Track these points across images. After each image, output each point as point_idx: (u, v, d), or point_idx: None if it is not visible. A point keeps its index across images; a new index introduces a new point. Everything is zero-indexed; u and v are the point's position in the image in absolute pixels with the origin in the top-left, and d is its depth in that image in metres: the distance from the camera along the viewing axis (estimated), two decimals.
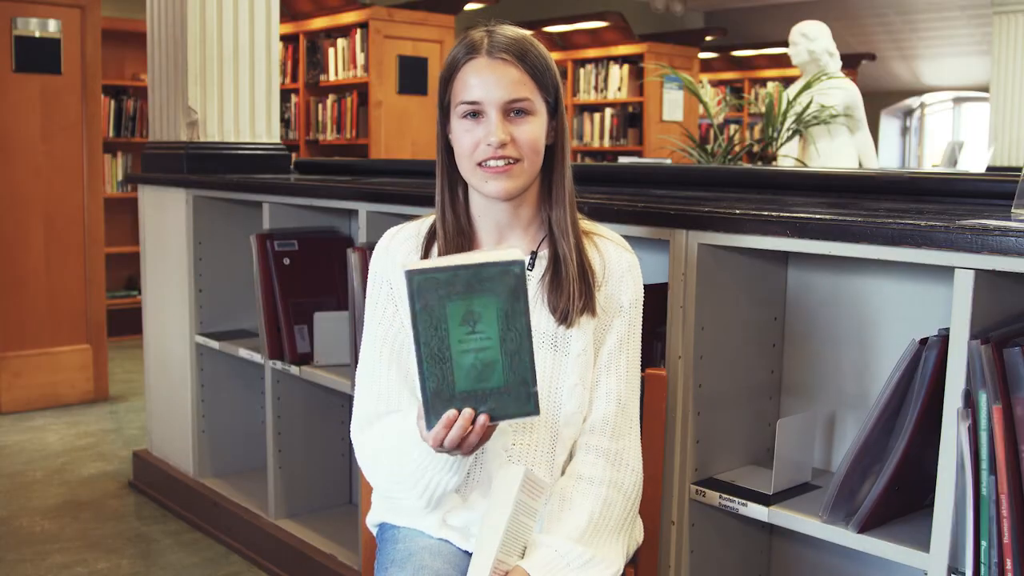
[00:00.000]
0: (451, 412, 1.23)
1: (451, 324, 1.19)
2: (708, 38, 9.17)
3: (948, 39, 10.44)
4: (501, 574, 1.33)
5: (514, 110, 1.41)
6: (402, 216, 2.43)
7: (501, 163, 1.40)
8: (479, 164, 1.42)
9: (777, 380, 1.92)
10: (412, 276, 1.18)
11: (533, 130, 1.42)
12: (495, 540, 1.32)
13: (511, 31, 1.43)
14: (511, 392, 1.23)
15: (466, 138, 1.42)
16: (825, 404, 1.87)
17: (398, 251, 1.52)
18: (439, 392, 1.22)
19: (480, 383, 1.22)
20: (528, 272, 1.47)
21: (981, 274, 1.34)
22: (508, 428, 1.45)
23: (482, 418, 1.24)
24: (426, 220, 1.55)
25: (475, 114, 1.41)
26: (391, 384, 1.47)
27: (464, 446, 1.26)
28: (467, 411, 1.23)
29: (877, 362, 1.79)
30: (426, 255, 1.50)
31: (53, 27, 4.60)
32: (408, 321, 1.20)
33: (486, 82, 1.39)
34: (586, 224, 1.53)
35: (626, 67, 8.18)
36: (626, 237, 1.58)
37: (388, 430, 1.43)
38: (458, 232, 1.49)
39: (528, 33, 1.46)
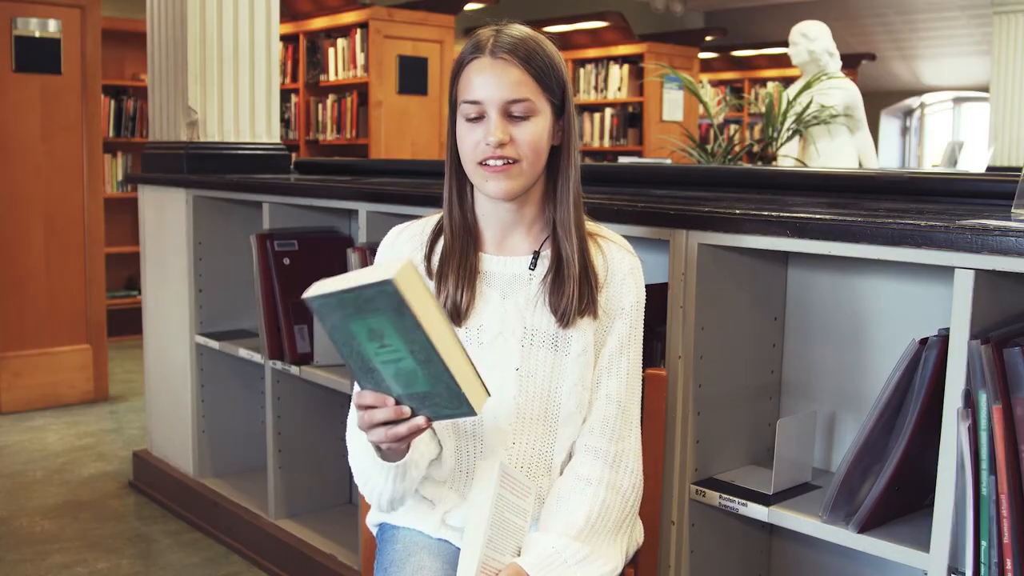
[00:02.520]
0: (389, 398, 1.23)
1: (361, 340, 1.19)
2: (708, 38, 9.16)
3: (948, 39, 10.44)
4: (494, 572, 1.33)
5: (514, 111, 1.40)
6: (402, 216, 2.43)
7: (500, 163, 1.40)
8: (480, 163, 1.42)
9: (777, 380, 1.92)
10: (311, 301, 1.17)
11: (534, 131, 1.41)
12: (479, 534, 1.33)
13: (518, 31, 1.43)
14: (441, 395, 1.23)
15: (468, 137, 1.42)
16: (825, 404, 1.87)
17: (403, 249, 1.52)
18: None
19: (410, 388, 1.23)
20: (530, 272, 1.48)
21: (981, 274, 1.34)
22: (508, 428, 1.45)
23: (420, 419, 1.24)
24: (431, 219, 1.56)
25: (477, 114, 1.41)
26: None
27: (390, 435, 1.25)
28: (405, 408, 1.23)
29: (877, 362, 1.79)
30: (430, 253, 1.50)
31: (53, 27, 4.60)
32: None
33: (487, 82, 1.40)
34: (590, 226, 1.53)
35: (626, 67, 8.18)
36: (626, 237, 1.58)
37: (356, 446, 1.43)
38: (464, 229, 1.49)
39: (538, 33, 1.46)
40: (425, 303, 1.16)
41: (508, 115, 1.40)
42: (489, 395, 1.24)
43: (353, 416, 1.50)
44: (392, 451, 1.32)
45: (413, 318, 1.16)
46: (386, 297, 1.15)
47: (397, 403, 1.24)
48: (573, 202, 1.47)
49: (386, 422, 1.25)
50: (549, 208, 1.50)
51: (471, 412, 1.23)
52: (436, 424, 1.42)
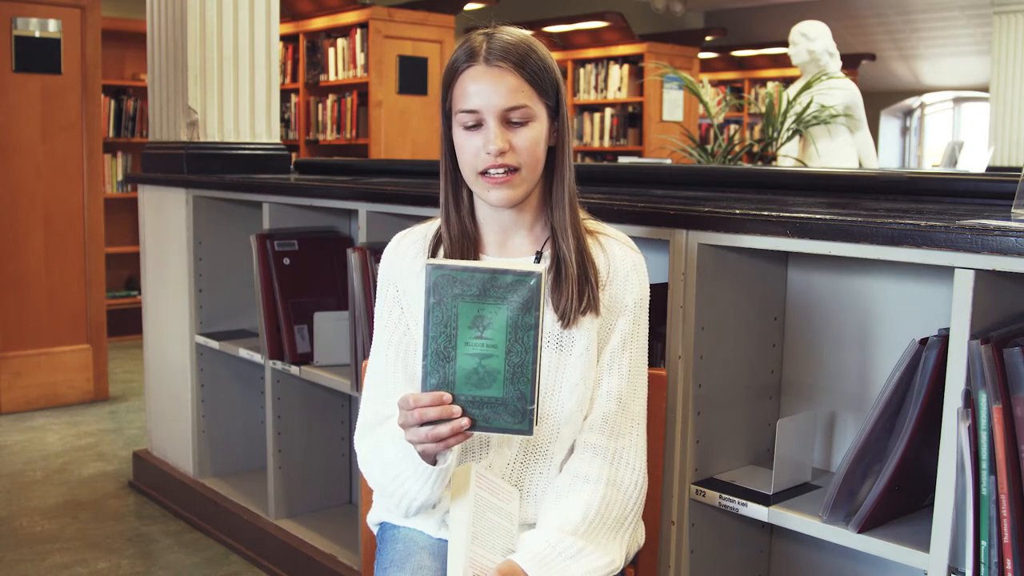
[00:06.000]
0: (446, 395, 1.25)
1: (460, 325, 1.22)
2: (708, 38, 9.17)
3: (948, 39, 10.44)
4: (488, 571, 1.33)
5: (512, 117, 1.40)
6: (402, 216, 2.43)
7: (501, 172, 1.40)
8: (480, 173, 1.42)
9: (777, 380, 1.92)
10: (431, 270, 1.22)
11: (532, 136, 1.41)
12: (462, 532, 1.34)
13: (510, 35, 1.42)
14: (507, 405, 1.25)
15: (467, 147, 1.42)
16: (825, 404, 1.87)
17: (405, 255, 1.52)
18: (439, 389, 1.25)
19: (479, 389, 1.24)
20: None
21: (981, 274, 1.34)
22: None
23: (464, 420, 1.25)
24: (433, 223, 1.56)
25: (475, 123, 1.41)
26: (397, 386, 1.47)
27: (431, 435, 1.27)
28: (455, 408, 1.25)
29: (877, 362, 1.79)
30: (433, 258, 1.50)
31: (53, 27, 4.60)
32: (420, 316, 1.24)
33: (483, 90, 1.39)
34: (591, 224, 1.53)
35: (626, 67, 8.18)
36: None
37: (383, 437, 1.43)
38: (463, 235, 1.49)
39: (528, 35, 1.45)
40: (543, 312, 1.22)
41: (506, 122, 1.40)
42: (538, 424, 1.27)
43: (365, 419, 1.49)
44: (428, 453, 1.33)
45: (536, 318, 1.21)
46: (525, 289, 1.20)
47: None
48: (568, 202, 1.47)
49: (432, 421, 1.26)
50: (547, 209, 1.50)
51: (528, 431, 1.26)
52: None
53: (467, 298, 1.22)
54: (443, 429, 1.26)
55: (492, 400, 1.24)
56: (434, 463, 1.34)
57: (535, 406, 1.24)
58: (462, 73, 1.42)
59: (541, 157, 1.44)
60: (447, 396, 1.25)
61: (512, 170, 1.41)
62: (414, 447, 1.32)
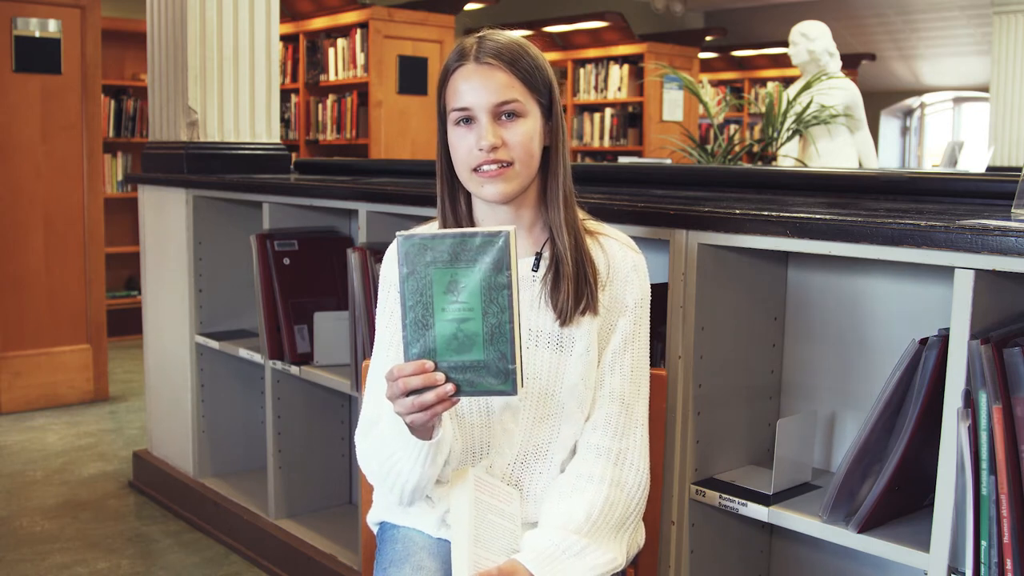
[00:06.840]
0: (428, 363, 1.25)
1: (435, 291, 1.23)
2: (708, 38, 9.17)
3: (948, 39, 10.44)
4: (490, 572, 1.33)
5: (504, 113, 1.41)
6: (402, 216, 2.43)
7: (494, 167, 1.41)
8: (474, 170, 1.42)
9: (777, 380, 1.92)
10: (401, 241, 1.23)
11: (525, 131, 1.42)
12: (464, 533, 1.34)
13: (502, 36, 1.44)
14: (489, 367, 1.25)
15: (460, 145, 1.43)
16: (825, 404, 1.87)
17: None
18: (422, 358, 1.26)
19: (460, 354, 1.25)
20: (533, 273, 1.48)
21: (981, 274, 1.34)
22: (512, 427, 1.45)
23: (448, 386, 1.25)
24: (435, 224, 1.56)
25: (467, 120, 1.42)
26: None
27: (417, 403, 1.26)
28: (439, 374, 1.25)
29: (877, 362, 1.79)
30: None
31: (53, 27, 4.60)
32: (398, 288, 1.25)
33: (474, 87, 1.40)
34: (592, 224, 1.53)
35: (626, 67, 8.18)
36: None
37: (382, 433, 1.43)
38: None
39: (521, 37, 1.46)
40: (516, 271, 1.22)
41: (498, 118, 1.41)
42: (523, 385, 1.27)
43: (366, 418, 1.50)
44: (418, 425, 1.32)
45: (508, 278, 1.22)
46: (494, 249, 1.21)
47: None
48: (563, 202, 1.47)
49: (417, 390, 1.26)
50: (543, 209, 1.50)
51: (512, 391, 1.26)
52: None
53: (439, 264, 1.23)
54: (428, 397, 1.26)
55: (474, 364, 1.25)
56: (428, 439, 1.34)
57: (516, 365, 1.24)
58: (454, 73, 1.43)
59: (535, 152, 1.44)
60: (429, 364, 1.25)
61: (505, 165, 1.41)
62: (403, 420, 1.31)
